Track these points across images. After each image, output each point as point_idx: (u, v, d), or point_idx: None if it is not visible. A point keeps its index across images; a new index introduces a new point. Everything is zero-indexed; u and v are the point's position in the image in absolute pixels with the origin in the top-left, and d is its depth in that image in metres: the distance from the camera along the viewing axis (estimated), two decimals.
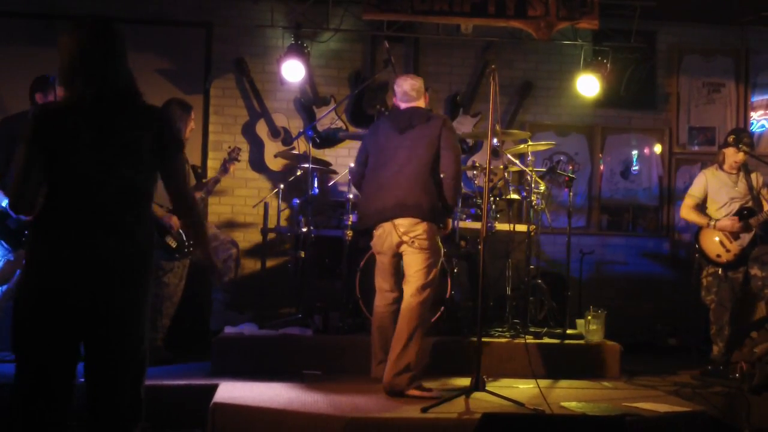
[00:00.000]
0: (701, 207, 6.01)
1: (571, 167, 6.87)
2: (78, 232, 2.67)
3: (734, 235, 5.78)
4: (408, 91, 4.76)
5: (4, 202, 5.10)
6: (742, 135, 5.99)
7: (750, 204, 5.84)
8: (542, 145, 6.27)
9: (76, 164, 2.68)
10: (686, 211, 6.06)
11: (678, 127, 7.56)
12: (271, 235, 6.51)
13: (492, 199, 5.82)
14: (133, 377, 2.76)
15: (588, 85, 6.86)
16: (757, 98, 7.64)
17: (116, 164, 2.70)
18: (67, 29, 2.78)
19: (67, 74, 2.77)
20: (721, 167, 5.99)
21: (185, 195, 2.94)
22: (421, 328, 4.48)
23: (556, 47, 7.20)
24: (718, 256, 5.80)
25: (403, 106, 4.78)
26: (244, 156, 6.83)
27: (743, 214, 5.79)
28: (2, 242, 5.14)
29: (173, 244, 5.36)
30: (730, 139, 5.95)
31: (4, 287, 5.23)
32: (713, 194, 5.95)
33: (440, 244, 4.62)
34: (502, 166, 5.97)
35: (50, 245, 2.68)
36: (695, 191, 6.04)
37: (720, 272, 5.84)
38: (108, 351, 2.71)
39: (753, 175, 5.95)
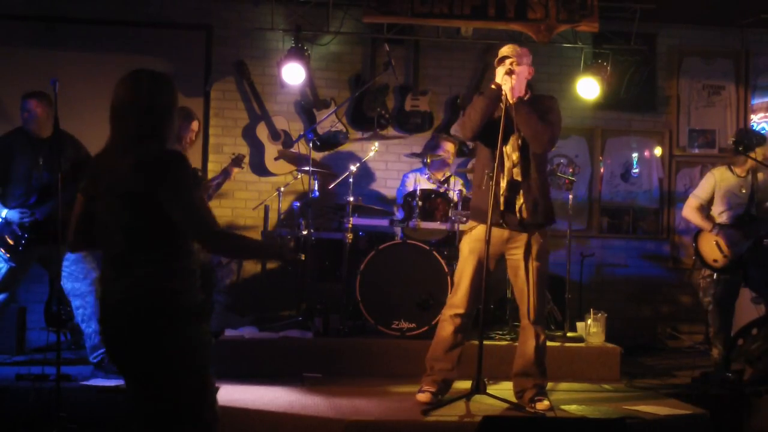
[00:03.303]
0: (705, 208, 5.95)
1: (571, 170, 6.87)
2: (102, 277, 2.82)
3: (733, 241, 5.74)
4: None
5: (4, 212, 5.12)
6: (745, 139, 5.91)
7: (753, 210, 5.81)
8: None
9: (97, 210, 2.82)
10: (689, 212, 5.97)
11: (678, 129, 7.57)
12: (270, 238, 6.50)
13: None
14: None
15: (588, 88, 6.86)
16: (757, 101, 7.64)
17: (118, 212, 2.74)
18: (118, 81, 2.88)
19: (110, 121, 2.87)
20: (730, 168, 5.91)
21: (192, 228, 2.78)
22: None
23: (556, 50, 7.20)
24: (715, 260, 5.77)
25: None
26: (245, 159, 6.83)
27: (745, 220, 5.76)
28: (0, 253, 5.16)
29: None
30: (734, 143, 5.89)
31: (6, 295, 5.24)
32: (720, 196, 5.87)
33: (464, 242, 4.50)
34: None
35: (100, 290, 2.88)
36: (702, 192, 5.92)
37: (717, 275, 5.82)
38: (138, 389, 2.78)
39: (759, 177, 5.88)
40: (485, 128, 4.35)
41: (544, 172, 4.49)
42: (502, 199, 4.33)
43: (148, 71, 2.87)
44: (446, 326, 4.46)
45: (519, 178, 4.34)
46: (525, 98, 4.38)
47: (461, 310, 4.42)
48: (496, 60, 4.43)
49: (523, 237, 4.38)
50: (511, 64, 4.33)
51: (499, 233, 4.36)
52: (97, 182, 2.81)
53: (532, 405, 4.26)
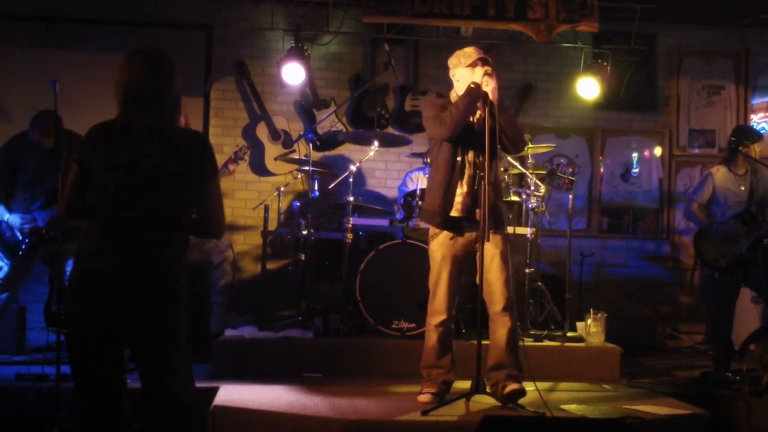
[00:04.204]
0: (705, 207, 5.93)
1: (571, 170, 6.88)
2: (106, 253, 2.78)
3: (733, 240, 5.72)
4: None
5: (6, 216, 5.13)
6: (742, 136, 5.90)
7: (752, 208, 5.80)
8: (542, 148, 6.27)
9: (108, 185, 2.81)
10: (689, 212, 5.97)
11: (678, 129, 7.57)
12: (271, 238, 6.51)
13: None
14: (170, 380, 2.87)
15: (588, 88, 6.87)
16: (757, 100, 7.64)
17: (144, 188, 2.81)
18: (126, 57, 2.93)
19: (119, 98, 2.90)
20: (728, 167, 5.90)
21: (210, 222, 2.98)
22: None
23: (557, 50, 7.20)
24: (715, 260, 5.77)
25: None
26: (247, 152, 6.83)
27: (745, 218, 5.74)
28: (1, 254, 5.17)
29: None
30: (731, 140, 5.89)
31: (7, 294, 5.24)
32: (718, 195, 5.85)
33: (433, 247, 4.48)
34: (502, 169, 5.97)
35: (85, 265, 2.83)
36: (701, 192, 5.88)
37: (717, 274, 5.80)
38: (145, 361, 2.87)
39: (758, 175, 5.86)
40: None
41: (498, 177, 4.52)
42: (462, 205, 4.35)
43: (162, 53, 2.96)
44: (432, 336, 4.47)
45: (481, 183, 4.28)
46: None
47: (444, 316, 4.42)
48: (467, 62, 4.39)
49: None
50: (489, 66, 4.33)
51: (466, 236, 4.39)
52: (107, 155, 2.82)
53: (504, 390, 4.24)
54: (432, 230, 4.52)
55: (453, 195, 4.37)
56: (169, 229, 2.84)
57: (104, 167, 2.82)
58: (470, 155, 4.38)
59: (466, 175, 4.38)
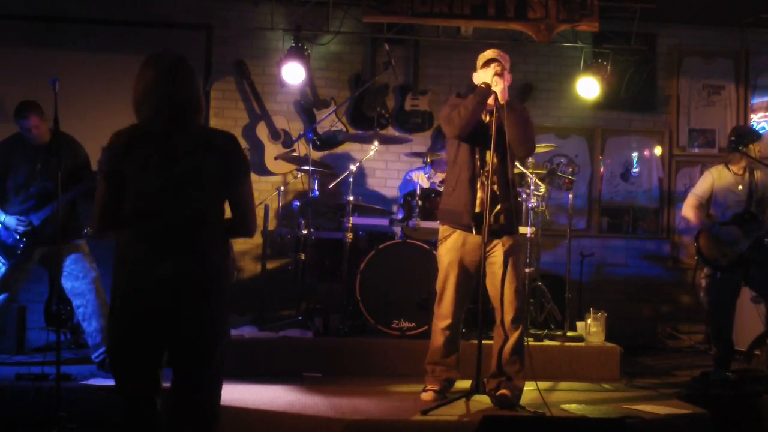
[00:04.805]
0: (704, 207, 5.92)
1: (571, 169, 6.87)
2: (147, 256, 2.78)
3: (733, 240, 5.71)
4: None
5: (2, 217, 5.12)
6: (741, 136, 5.89)
7: (752, 208, 5.79)
8: (542, 148, 6.27)
9: (144, 190, 2.80)
10: (688, 210, 5.95)
11: (678, 129, 7.57)
12: (271, 238, 6.51)
13: None
14: (206, 384, 2.88)
15: (588, 88, 6.87)
16: (757, 100, 7.64)
17: (180, 189, 2.80)
18: (144, 62, 2.92)
19: (139, 103, 2.88)
20: (727, 167, 5.88)
21: (246, 222, 2.97)
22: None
23: (556, 49, 7.20)
24: (716, 259, 5.76)
25: None
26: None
27: (744, 218, 5.73)
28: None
29: None
30: (730, 141, 5.88)
31: (6, 295, 5.23)
32: (718, 194, 5.85)
33: (441, 251, 4.50)
34: None
35: (125, 270, 2.82)
36: (700, 191, 5.89)
37: (718, 274, 5.80)
38: (178, 366, 2.86)
39: (757, 175, 5.86)
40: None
41: (514, 179, 4.51)
42: (478, 203, 4.35)
43: (182, 56, 2.94)
44: (438, 338, 4.50)
45: (497, 184, 4.32)
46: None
47: (449, 320, 4.44)
48: (482, 62, 4.42)
49: (499, 240, 4.38)
50: (499, 66, 4.33)
51: (475, 239, 4.37)
52: (142, 161, 2.80)
53: (496, 393, 4.30)
54: (442, 232, 4.52)
55: (476, 193, 4.37)
56: (204, 233, 2.82)
57: (140, 173, 2.80)
58: (487, 155, 4.37)
59: (483, 175, 4.38)
